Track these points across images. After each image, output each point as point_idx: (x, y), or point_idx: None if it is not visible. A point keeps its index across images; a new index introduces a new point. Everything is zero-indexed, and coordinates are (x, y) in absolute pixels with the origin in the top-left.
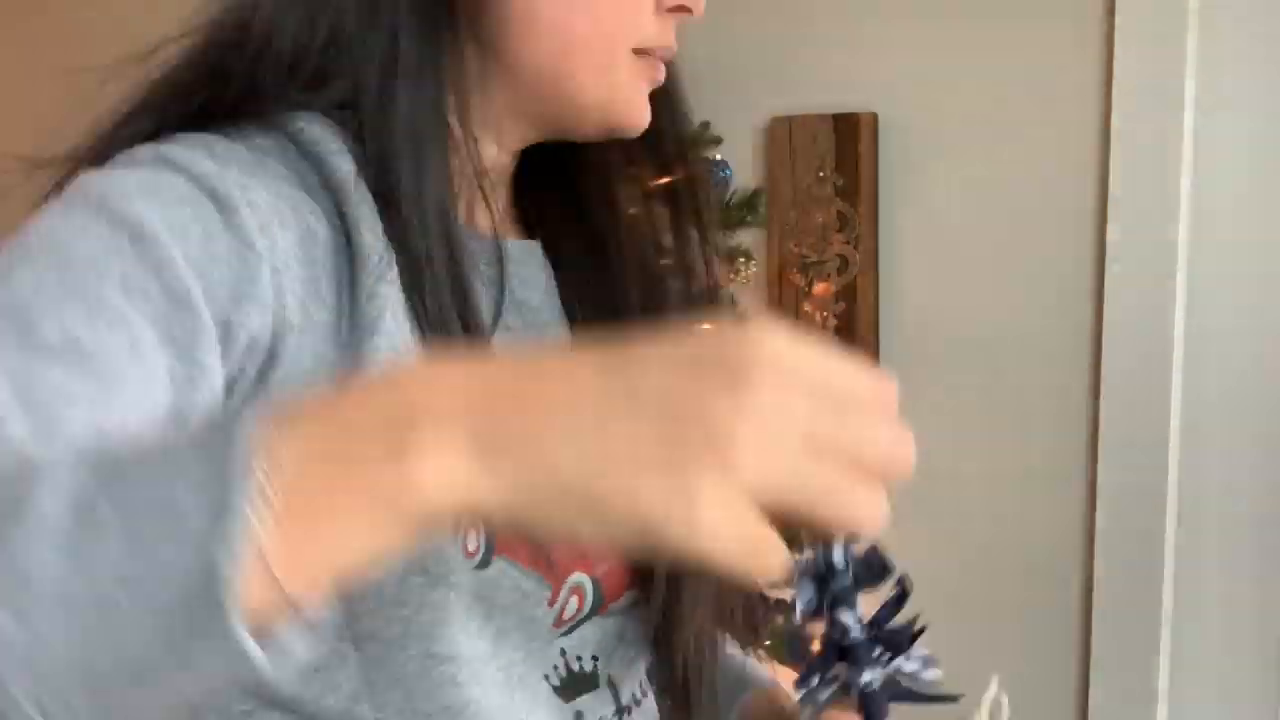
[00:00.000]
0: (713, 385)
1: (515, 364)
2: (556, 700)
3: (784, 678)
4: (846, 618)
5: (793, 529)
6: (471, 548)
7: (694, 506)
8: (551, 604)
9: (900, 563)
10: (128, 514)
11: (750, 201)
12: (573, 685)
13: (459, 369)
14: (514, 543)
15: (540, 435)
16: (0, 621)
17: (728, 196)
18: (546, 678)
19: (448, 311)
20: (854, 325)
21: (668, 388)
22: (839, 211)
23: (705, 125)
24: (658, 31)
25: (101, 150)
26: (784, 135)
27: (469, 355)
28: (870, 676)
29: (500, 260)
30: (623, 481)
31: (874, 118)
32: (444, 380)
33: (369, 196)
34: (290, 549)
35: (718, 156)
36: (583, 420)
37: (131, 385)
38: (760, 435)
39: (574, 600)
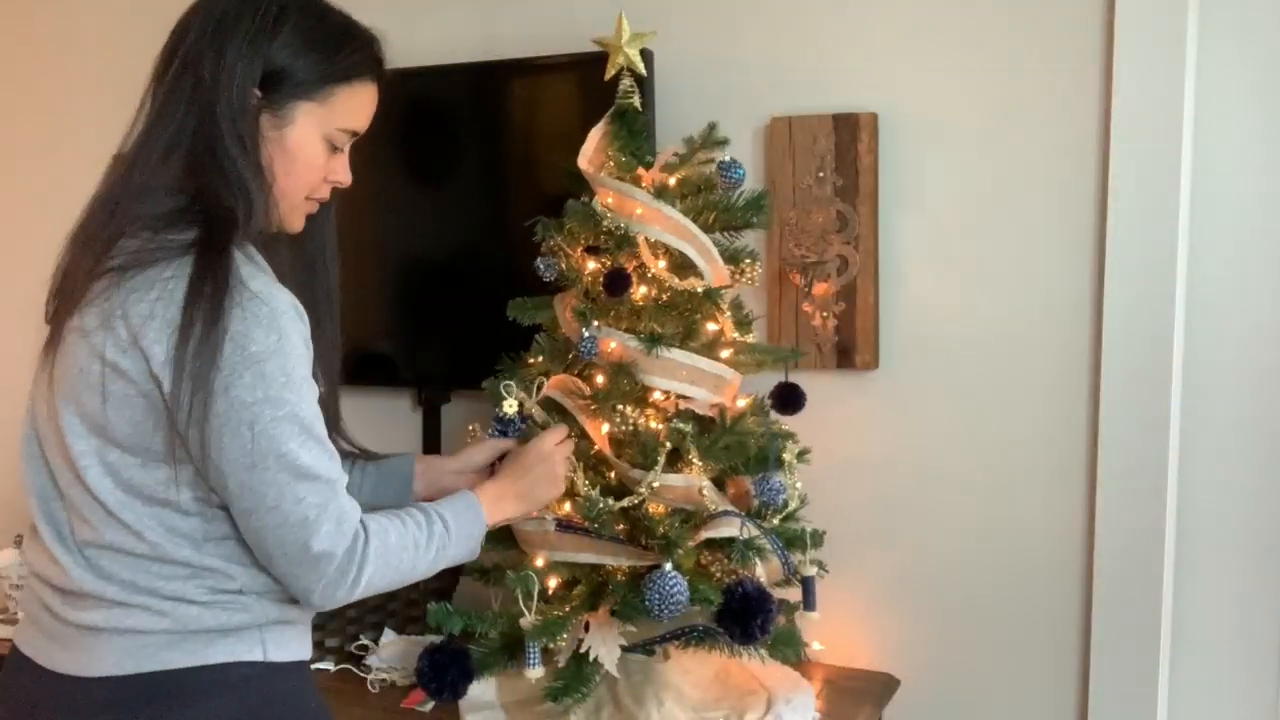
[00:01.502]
0: (550, 464)
1: (509, 478)
2: None
3: (780, 676)
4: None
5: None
6: None
7: (556, 493)
8: None
9: (901, 561)
10: (464, 536)
11: (756, 202)
12: None
13: (499, 483)
14: None
15: (525, 496)
16: (435, 566)
17: (734, 197)
18: None
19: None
20: (854, 325)
21: (541, 470)
22: (839, 211)
23: (713, 126)
24: (321, 191)
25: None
26: (784, 135)
27: (500, 477)
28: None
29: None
30: (544, 496)
31: (874, 118)
32: (499, 487)
33: None
34: (490, 522)
35: (727, 157)
36: (530, 485)
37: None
38: (560, 477)
39: None
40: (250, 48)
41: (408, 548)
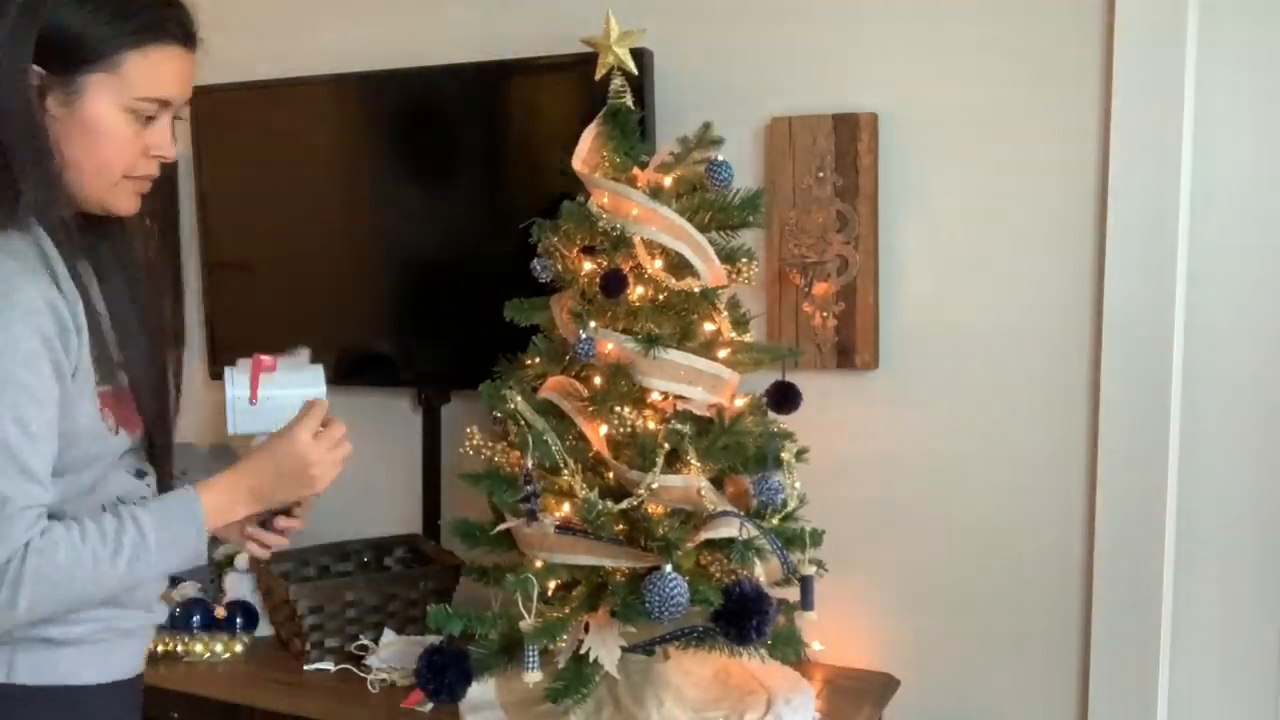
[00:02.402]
0: (303, 462)
1: (248, 473)
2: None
3: (780, 676)
4: None
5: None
6: (110, 426)
7: (310, 492)
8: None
9: (901, 561)
10: (170, 544)
11: (752, 201)
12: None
13: (234, 478)
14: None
15: (264, 497)
16: (131, 579)
17: (730, 196)
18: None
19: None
20: (854, 325)
21: (291, 468)
22: (839, 211)
23: (707, 126)
24: (145, 167)
25: None
26: (784, 135)
27: (236, 472)
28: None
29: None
30: (291, 496)
31: (874, 118)
32: (231, 484)
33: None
34: (210, 527)
35: (719, 157)
36: (273, 485)
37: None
38: (320, 476)
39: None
40: (20, 24)
41: (83, 564)
